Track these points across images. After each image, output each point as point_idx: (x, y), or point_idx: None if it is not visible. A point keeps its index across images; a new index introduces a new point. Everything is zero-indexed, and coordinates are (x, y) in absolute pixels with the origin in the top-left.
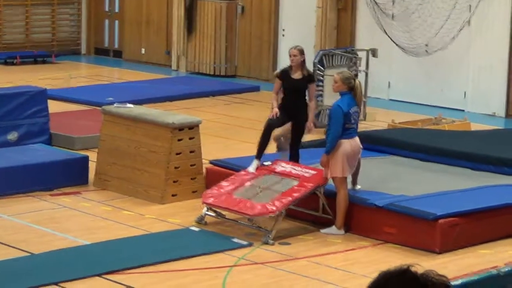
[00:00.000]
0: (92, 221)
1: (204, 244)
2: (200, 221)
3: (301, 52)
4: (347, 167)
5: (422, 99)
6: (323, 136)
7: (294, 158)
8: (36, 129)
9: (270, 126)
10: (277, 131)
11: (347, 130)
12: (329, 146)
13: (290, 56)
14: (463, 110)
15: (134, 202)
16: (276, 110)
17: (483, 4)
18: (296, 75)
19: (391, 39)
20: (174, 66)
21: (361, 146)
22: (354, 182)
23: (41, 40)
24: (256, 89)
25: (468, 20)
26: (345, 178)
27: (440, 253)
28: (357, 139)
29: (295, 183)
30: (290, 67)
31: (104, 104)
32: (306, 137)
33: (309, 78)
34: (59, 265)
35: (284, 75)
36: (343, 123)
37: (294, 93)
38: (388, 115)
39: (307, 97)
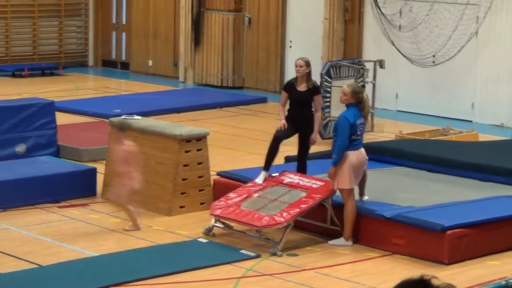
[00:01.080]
0: (99, 232)
1: (212, 255)
2: (208, 232)
3: (307, 63)
4: (353, 178)
5: (430, 110)
6: (330, 147)
7: (301, 169)
8: (44, 141)
9: (277, 138)
10: None
11: (353, 142)
12: (336, 157)
13: (296, 66)
14: (470, 121)
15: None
16: (283, 122)
17: (491, 15)
18: (302, 87)
19: (398, 50)
20: (181, 78)
21: (367, 157)
22: (362, 193)
23: (49, 52)
24: (263, 100)
25: (475, 31)
26: (352, 189)
27: (448, 264)
28: (362, 150)
29: (303, 194)
30: (296, 78)
31: (112, 116)
32: (314, 148)
33: (314, 90)
34: (67, 277)
35: (290, 87)
36: (349, 135)
37: (300, 105)
38: (395, 126)
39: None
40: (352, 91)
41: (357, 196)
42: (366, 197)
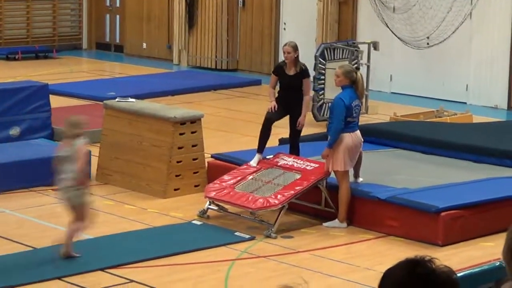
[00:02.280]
0: (94, 215)
1: (207, 238)
2: (203, 215)
3: (295, 48)
4: (349, 160)
5: (424, 92)
6: (325, 129)
7: (293, 150)
8: (38, 124)
9: (268, 120)
10: None
11: (349, 124)
12: (331, 139)
13: (284, 53)
14: (465, 103)
15: (136, 196)
16: (273, 103)
17: None
18: (291, 71)
19: (393, 32)
20: (175, 61)
21: (362, 140)
22: (356, 175)
23: (42, 35)
24: (257, 82)
25: (469, 13)
26: (347, 171)
27: (442, 245)
28: (358, 132)
29: (297, 176)
30: (285, 62)
31: (106, 99)
32: (308, 130)
33: (303, 74)
34: (61, 260)
35: (279, 71)
36: (345, 117)
37: (289, 89)
38: (390, 108)
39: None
40: (344, 71)
41: (352, 178)
42: (360, 179)
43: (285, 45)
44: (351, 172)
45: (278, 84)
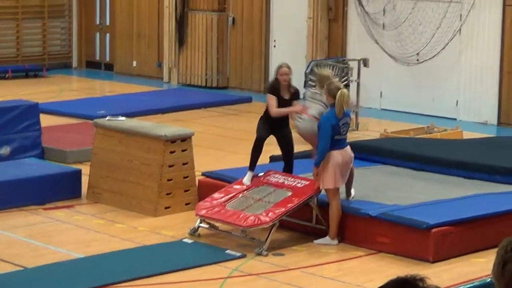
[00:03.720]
0: (85, 234)
1: (198, 256)
2: (194, 233)
3: (290, 68)
4: (340, 177)
5: (414, 108)
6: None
7: (288, 168)
8: (29, 143)
9: (260, 138)
10: None
11: (337, 142)
12: (318, 158)
13: (282, 75)
14: (455, 119)
15: (127, 215)
16: (299, 106)
17: (474, 12)
18: (286, 95)
19: (382, 49)
20: (165, 78)
21: (353, 154)
22: (348, 192)
23: (33, 54)
24: (248, 100)
25: (459, 29)
26: (338, 189)
27: (433, 262)
28: (348, 148)
29: (288, 193)
30: (278, 84)
31: (96, 117)
32: (299, 148)
33: (296, 95)
34: (52, 279)
35: (276, 93)
36: (332, 135)
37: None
38: (380, 125)
39: None
40: (326, 89)
41: (344, 196)
42: (353, 194)
43: (280, 67)
44: (343, 190)
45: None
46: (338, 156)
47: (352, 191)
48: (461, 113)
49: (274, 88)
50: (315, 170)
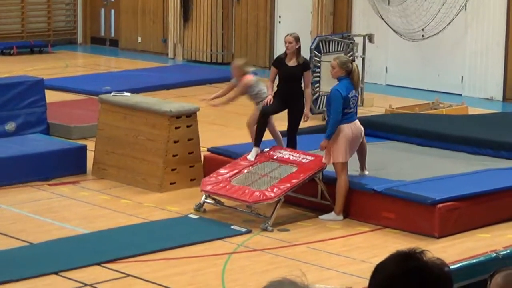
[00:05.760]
0: (90, 210)
1: (203, 231)
2: (199, 208)
3: (297, 39)
4: (349, 151)
5: (419, 84)
6: (321, 122)
7: (291, 144)
8: (34, 119)
9: (265, 114)
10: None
11: (347, 115)
12: (329, 131)
13: (285, 43)
14: (460, 95)
15: (132, 190)
16: (270, 97)
17: None
18: (291, 62)
19: (388, 24)
20: (170, 54)
21: (362, 129)
22: (362, 167)
23: (37, 30)
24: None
25: (464, 4)
26: (346, 163)
27: (439, 237)
28: (357, 122)
29: (294, 169)
30: (285, 54)
31: (101, 93)
32: (305, 123)
33: (304, 66)
34: (58, 254)
35: (279, 62)
36: (342, 108)
37: (289, 81)
38: (385, 101)
39: (302, 84)
40: (339, 62)
41: (357, 171)
42: (367, 172)
43: (286, 35)
44: (358, 165)
45: (278, 77)
46: (348, 130)
47: (366, 170)
48: (466, 89)
49: (277, 58)
50: (325, 143)
